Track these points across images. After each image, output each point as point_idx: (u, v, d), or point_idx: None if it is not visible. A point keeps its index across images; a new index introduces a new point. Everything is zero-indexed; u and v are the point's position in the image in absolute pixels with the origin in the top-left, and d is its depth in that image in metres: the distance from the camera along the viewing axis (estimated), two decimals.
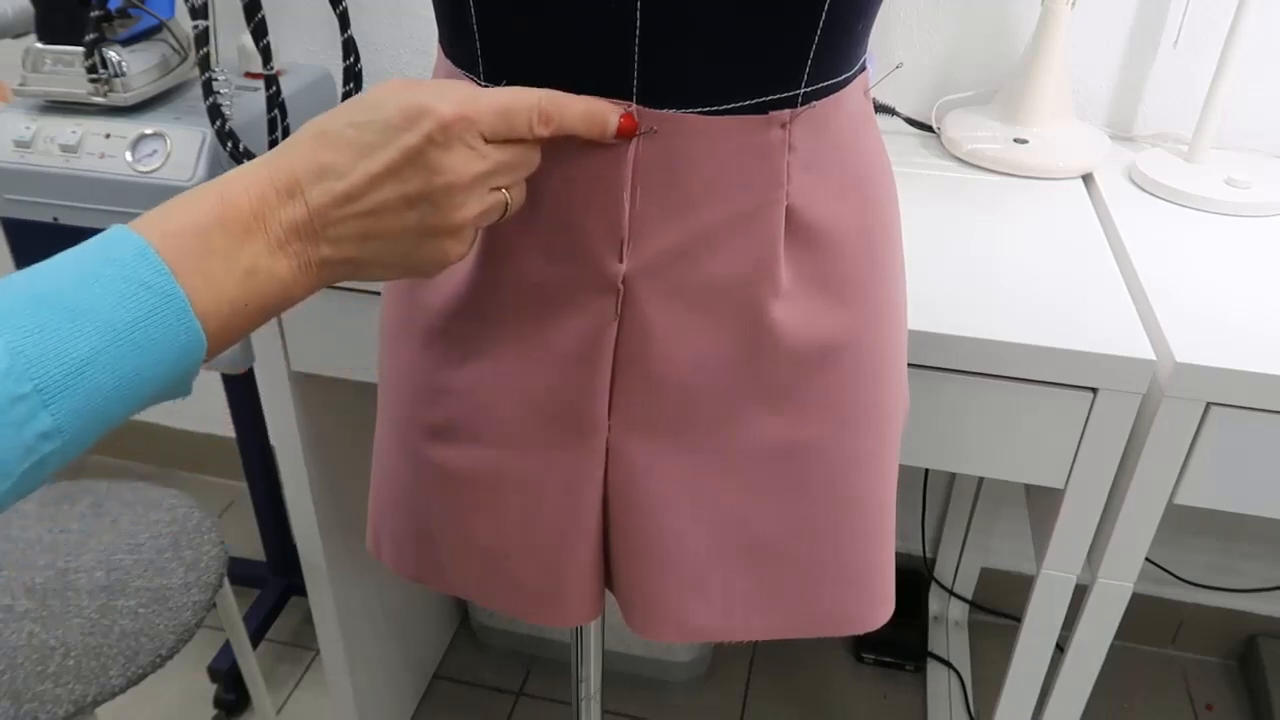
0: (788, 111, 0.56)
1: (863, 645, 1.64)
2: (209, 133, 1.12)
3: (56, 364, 0.39)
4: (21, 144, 1.15)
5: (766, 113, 0.55)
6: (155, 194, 1.12)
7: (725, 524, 0.66)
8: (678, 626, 0.69)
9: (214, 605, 1.07)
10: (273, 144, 1.18)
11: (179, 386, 0.44)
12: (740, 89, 0.54)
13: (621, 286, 0.58)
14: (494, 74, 0.57)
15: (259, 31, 1.06)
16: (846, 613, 0.71)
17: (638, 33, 0.52)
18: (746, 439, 0.64)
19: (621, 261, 0.57)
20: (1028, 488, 1.06)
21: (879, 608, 0.72)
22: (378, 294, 0.96)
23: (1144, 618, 1.65)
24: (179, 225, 0.44)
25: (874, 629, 0.72)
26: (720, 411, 0.63)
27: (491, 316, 0.62)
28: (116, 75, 1.13)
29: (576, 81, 0.53)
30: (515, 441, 0.65)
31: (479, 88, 0.50)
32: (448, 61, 0.61)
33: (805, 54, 0.54)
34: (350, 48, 1.06)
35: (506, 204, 0.52)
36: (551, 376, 0.62)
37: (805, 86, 0.56)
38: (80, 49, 1.12)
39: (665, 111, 0.54)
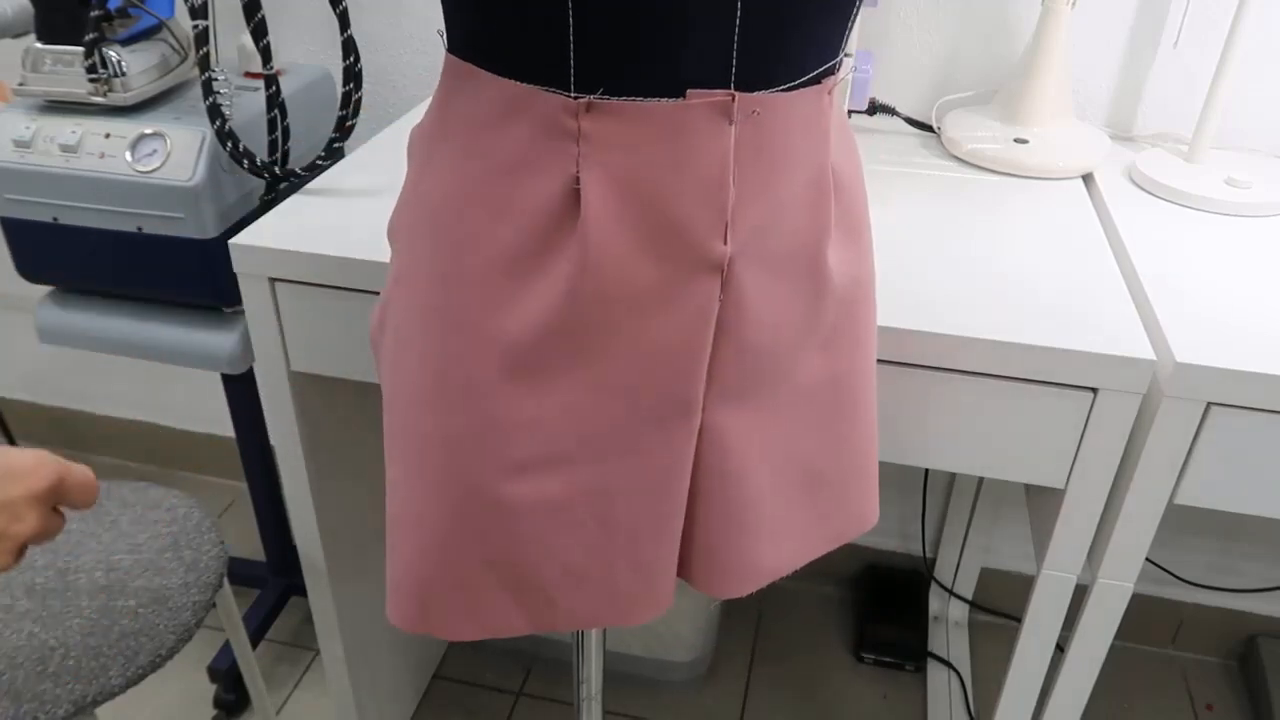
0: (831, 79, 0.61)
1: (863, 645, 1.64)
2: (209, 133, 1.12)
3: None
4: (21, 144, 1.15)
5: (821, 82, 0.60)
6: (155, 194, 1.12)
7: (786, 466, 0.71)
8: (754, 576, 0.73)
9: (214, 605, 1.07)
10: (272, 144, 1.18)
11: None
12: (809, 64, 0.59)
13: (726, 267, 0.60)
14: (588, 82, 0.56)
15: (259, 31, 1.06)
16: (863, 514, 0.79)
17: (738, 24, 0.55)
18: (802, 382, 0.69)
19: (725, 244, 0.60)
20: (1028, 488, 1.06)
21: (876, 505, 0.81)
22: (377, 293, 0.95)
23: (1144, 618, 1.65)
24: None
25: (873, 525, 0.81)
26: (788, 363, 0.67)
27: (590, 328, 0.61)
28: (116, 75, 1.13)
29: (681, 78, 0.55)
30: (614, 449, 0.65)
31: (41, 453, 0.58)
32: (506, 83, 0.57)
33: (848, 25, 0.60)
34: (350, 47, 1.06)
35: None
36: (653, 371, 0.63)
37: (841, 55, 0.62)
38: (80, 49, 1.12)
39: (756, 94, 0.57)
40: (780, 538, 0.74)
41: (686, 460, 0.67)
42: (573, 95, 0.56)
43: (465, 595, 0.70)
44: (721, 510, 0.70)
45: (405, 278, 0.66)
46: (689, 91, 0.56)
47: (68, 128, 1.14)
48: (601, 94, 0.55)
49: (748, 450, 0.68)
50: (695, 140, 0.56)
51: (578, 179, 0.57)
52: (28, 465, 0.57)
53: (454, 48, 0.61)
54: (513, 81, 0.57)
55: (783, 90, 0.58)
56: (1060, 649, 0.98)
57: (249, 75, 1.27)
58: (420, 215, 0.64)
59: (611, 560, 0.69)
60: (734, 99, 0.56)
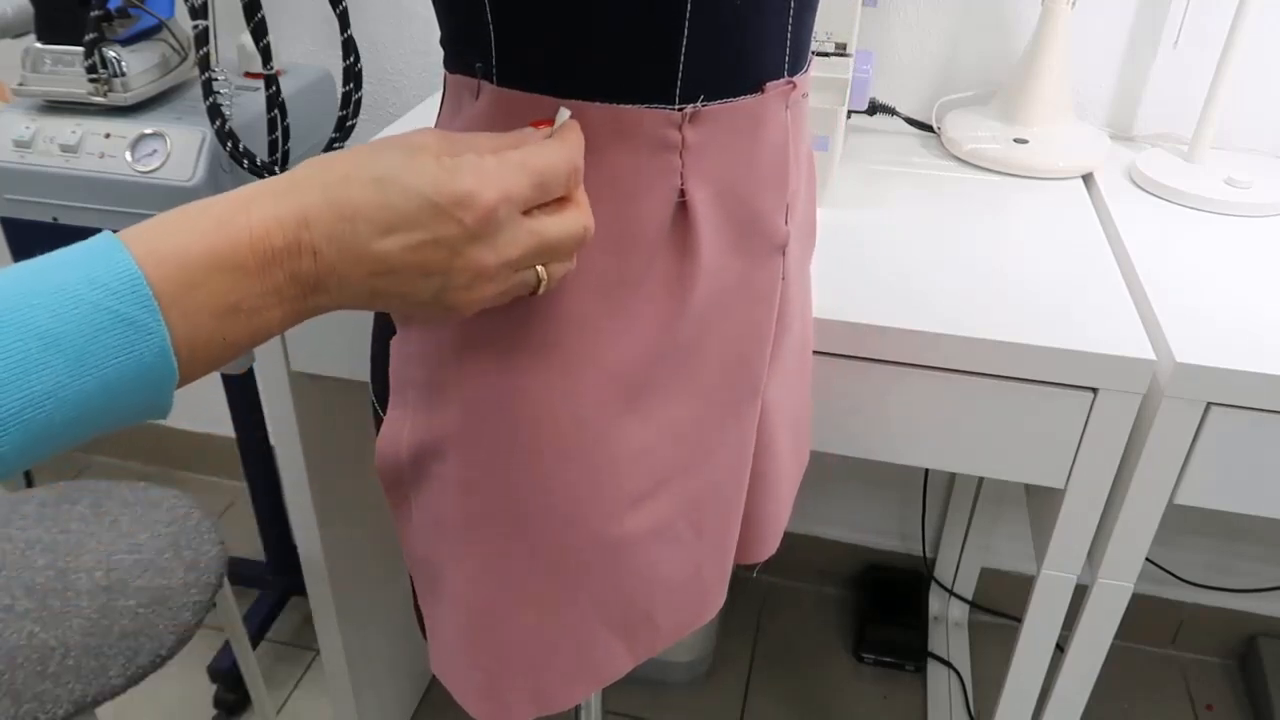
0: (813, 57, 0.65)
1: (863, 645, 1.64)
2: (209, 133, 1.12)
3: (16, 392, 0.36)
4: (21, 144, 1.15)
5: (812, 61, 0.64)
6: (155, 194, 1.12)
7: (788, 424, 0.74)
8: (776, 532, 0.77)
9: (214, 605, 1.07)
10: (272, 144, 1.18)
11: (146, 414, 0.41)
12: (810, 45, 0.63)
13: (785, 247, 0.63)
14: (689, 93, 0.55)
15: (259, 31, 1.06)
16: (806, 451, 0.84)
17: (791, 14, 0.57)
18: (794, 341, 0.72)
19: (787, 224, 0.62)
20: (1028, 488, 1.06)
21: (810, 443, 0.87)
22: None
23: (1144, 618, 1.65)
24: (168, 249, 0.41)
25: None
26: (796, 328, 0.70)
27: (693, 338, 0.61)
28: (116, 75, 1.13)
29: (756, 73, 0.57)
30: (701, 452, 0.65)
31: (504, 148, 0.48)
32: (596, 106, 0.54)
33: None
34: (350, 48, 1.06)
35: (539, 281, 0.49)
36: (737, 363, 0.64)
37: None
38: (80, 49, 1.12)
39: (797, 78, 0.60)
40: (785, 490, 0.77)
41: (753, 442, 0.68)
42: (676, 108, 0.55)
43: (579, 654, 0.67)
44: (761, 479, 0.72)
45: (472, 349, 0.59)
46: (766, 85, 0.58)
47: (68, 128, 1.14)
48: (702, 101, 0.56)
49: (780, 417, 0.71)
50: (767, 131, 0.59)
51: (682, 192, 0.57)
52: (492, 176, 0.45)
53: (508, 80, 0.55)
54: (608, 105, 0.54)
55: (805, 73, 0.62)
56: (1060, 649, 0.98)
57: (249, 75, 1.27)
58: None
59: (701, 563, 0.69)
60: (794, 86, 0.59)
